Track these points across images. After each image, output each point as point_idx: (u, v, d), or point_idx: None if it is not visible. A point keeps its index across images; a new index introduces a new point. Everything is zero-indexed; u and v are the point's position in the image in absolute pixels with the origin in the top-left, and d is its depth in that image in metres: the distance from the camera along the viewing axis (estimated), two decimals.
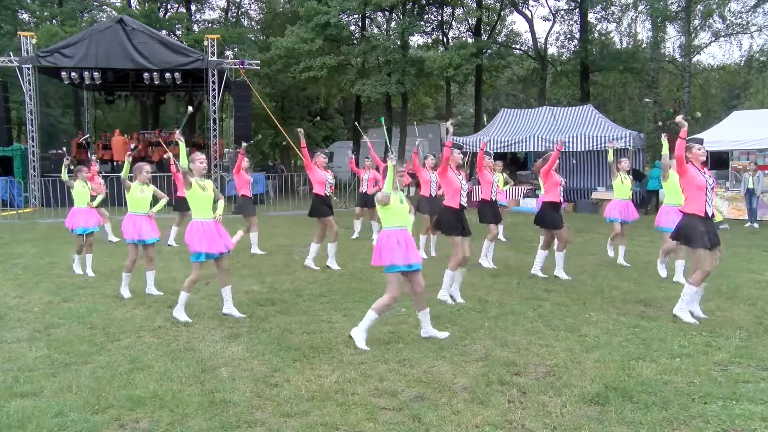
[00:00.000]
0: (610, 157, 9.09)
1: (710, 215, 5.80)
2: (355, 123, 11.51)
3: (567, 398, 4.04)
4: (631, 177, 9.48)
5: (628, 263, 9.10)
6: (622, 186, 9.10)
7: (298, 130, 9.46)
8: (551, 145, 18.88)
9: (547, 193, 8.13)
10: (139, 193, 7.06)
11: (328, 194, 8.99)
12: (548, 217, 8.12)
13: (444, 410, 3.87)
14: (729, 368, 4.60)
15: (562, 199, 8.18)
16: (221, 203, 6.36)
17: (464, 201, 6.64)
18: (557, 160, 8.26)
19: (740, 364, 4.70)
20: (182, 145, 6.01)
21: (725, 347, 5.08)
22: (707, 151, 6.67)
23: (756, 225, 14.36)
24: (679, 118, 5.83)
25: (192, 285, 6.04)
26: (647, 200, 18.13)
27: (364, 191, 11.92)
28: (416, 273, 5.24)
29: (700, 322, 5.84)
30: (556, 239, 8.16)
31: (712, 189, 5.85)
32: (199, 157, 6.12)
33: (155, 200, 7.34)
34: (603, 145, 18.24)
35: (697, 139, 6.22)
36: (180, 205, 10.82)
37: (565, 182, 8.23)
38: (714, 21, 22.25)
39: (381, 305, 5.18)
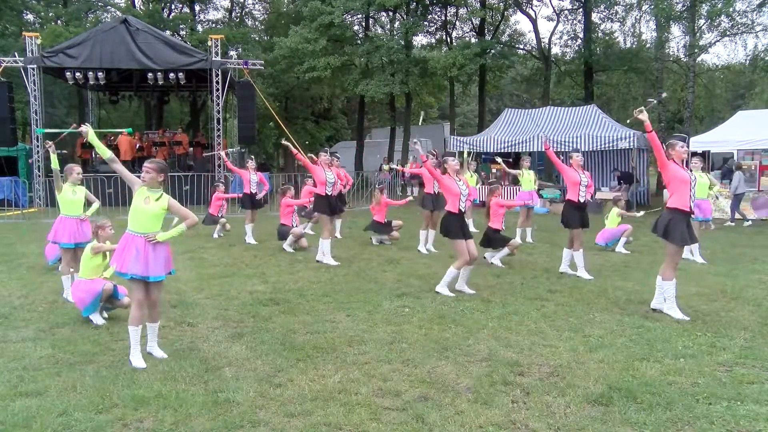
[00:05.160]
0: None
1: (692, 211, 6.22)
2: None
3: (571, 398, 4.04)
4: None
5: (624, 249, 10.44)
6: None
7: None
8: (555, 145, 18.87)
9: (569, 192, 8.31)
10: (72, 195, 6.88)
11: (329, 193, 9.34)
12: (565, 216, 8.20)
13: (447, 410, 3.87)
14: (733, 369, 4.59)
15: (581, 199, 8.12)
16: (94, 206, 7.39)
17: (463, 206, 7.05)
18: (576, 159, 8.40)
19: (745, 364, 4.69)
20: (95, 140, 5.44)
21: (730, 348, 5.07)
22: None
23: None
24: (640, 115, 5.86)
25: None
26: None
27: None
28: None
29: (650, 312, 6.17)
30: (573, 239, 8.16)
31: (694, 186, 6.22)
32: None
33: (89, 203, 7.24)
34: (607, 145, 18.22)
35: (680, 137, 6.32)
36: (246, 202, 11.75)
37: (588, 182, 8.26)
38: (720, 21, 22.12)
39: None
